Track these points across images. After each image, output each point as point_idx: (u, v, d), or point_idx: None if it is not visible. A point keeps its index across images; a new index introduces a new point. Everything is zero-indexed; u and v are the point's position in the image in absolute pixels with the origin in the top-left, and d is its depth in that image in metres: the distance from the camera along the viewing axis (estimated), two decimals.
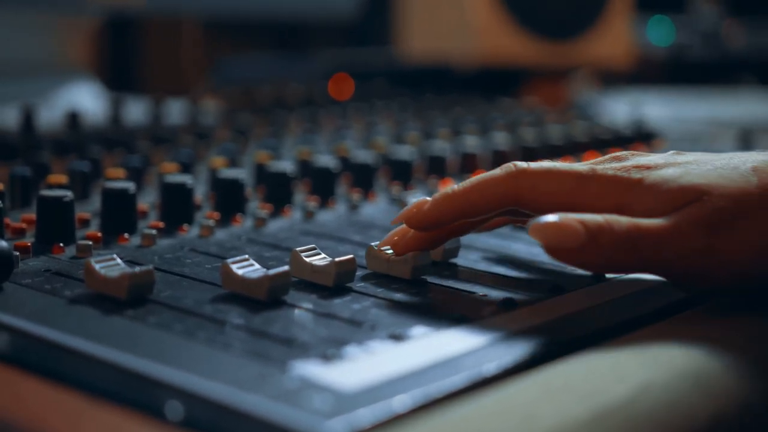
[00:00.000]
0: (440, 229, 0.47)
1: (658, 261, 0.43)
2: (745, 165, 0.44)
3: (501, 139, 0.84)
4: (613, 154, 0.47)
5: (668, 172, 0.44)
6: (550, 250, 0.42)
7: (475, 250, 0.52)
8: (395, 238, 0.47)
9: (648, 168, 0.45)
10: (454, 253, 0.50)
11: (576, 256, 0.42)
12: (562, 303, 0.43)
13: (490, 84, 1.34)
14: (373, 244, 0.47)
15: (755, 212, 0.43)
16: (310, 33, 1.79)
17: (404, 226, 0.47)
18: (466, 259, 0.51)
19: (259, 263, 0.43)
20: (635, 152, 0.47)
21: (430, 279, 0.46)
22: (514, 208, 0.46)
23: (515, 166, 0.45)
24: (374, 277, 0.46)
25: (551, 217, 0.42)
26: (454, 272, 0.48)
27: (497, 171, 0.46)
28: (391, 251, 0.47)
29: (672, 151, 0.48)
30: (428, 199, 0.46)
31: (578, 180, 0.45)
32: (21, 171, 0.59)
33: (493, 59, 1.32)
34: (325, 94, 1.19)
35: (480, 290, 0.45)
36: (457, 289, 0.45)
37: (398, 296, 0.43)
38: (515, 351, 0.37)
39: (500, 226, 0.53)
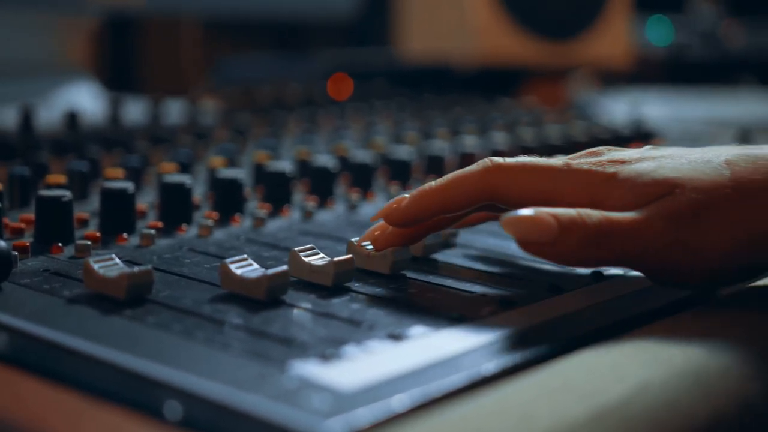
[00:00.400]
0: (419, 225, 0.47)
1: (631, 254, 0.43)
2: (719, 158, 0.45)
3: (500, 139, 0.84)
4: (590, 150, 0.48)
5: (642, 166, 0.45)
6: (523, 243, 0.43)
7: (474, 250, 0.52)
8: (375, 233, 0.48)
9: (622, 162, 0.45)
10: (435, 248, 0.51)
11: (549, 250, 0.42)
12: (560, 303, 0.43)
13: (489, 84, 1.34)
14: (353, 239, 0.48)
15: (727, 204, 0.43)
16: (310, 33, 1.79)
17: (384, 222, 0.48)
18: (466, 259, 0.51)
19: (257, 263, 0.43)
20: (612, 147, 0.48)
21: (430, 279, 0.46)
22: (490, 203, 0.46)
23: (491, 161, 0.46)
24: (372, 277, 0.46)
25: (524, 211, 0.42)
26: (451, 270, 0.48)
27: (474, 167, 0.46)
28: (371, 247, 0.47)
29: (648, 147, 0.48)
30: (407, 196, 0.47)
31: (553, 174, 0.45)
32: (20, 171, 0.59)
33: (492, 59, 1.32)
34: (324, 94, 1.19)
35: (474, 288, 0.45)
36: (455, 288, 0.45)
37: (397, 296, 0.43)
38: (514, 351, 0.37)
39: (478, 222, 0.53)
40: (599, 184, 0.45)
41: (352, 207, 0.62)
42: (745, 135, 0.94)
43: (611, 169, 0.45)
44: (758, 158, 0.44)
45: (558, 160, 0.46)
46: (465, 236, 0.54)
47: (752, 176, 0.44)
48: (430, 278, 0.46)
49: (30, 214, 0.52)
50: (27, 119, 0.82)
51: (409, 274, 0.47)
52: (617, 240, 0.42)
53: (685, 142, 1.01)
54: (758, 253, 0.44)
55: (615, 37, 1.39)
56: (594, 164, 0.45)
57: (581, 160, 0.46)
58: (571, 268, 0.49)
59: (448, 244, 0.53)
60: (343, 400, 0.31)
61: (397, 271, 0.46)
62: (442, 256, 0.51)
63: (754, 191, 0.43)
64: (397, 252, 0.46)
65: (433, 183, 0.47)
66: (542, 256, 0.43)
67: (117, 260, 0.42)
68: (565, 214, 0.42)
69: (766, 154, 0.45)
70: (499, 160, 0.46)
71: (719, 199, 0.43)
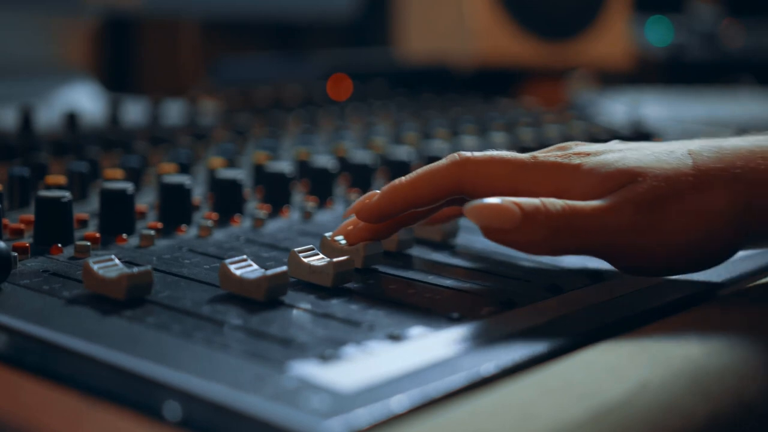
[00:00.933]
0: (390, 220, 0.48)
1: (593, 241, 0.44)
2: (682, 149, 0.46)
3: (499, 139, 0.84)
4: (558, 145, 0.49)
5: (606, 158, 0.46)
6: (487, 231, 0.43)
7: (474, 250, 0.52)
8: (348, 228, 0.48)
9: (588, 155, 0.46)
10: (409, 244, 0.51)
11: (512, 237, 0.43)
12: (559, 303, 0.43)
13: (488, 84, 1.34)
14: (326, 234, 0.48)
15: (689, 192, 0.44)
16: (309, 33, 1.79)
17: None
18: (465, 259, 0.51)
19: (257, 264, 0.43)
20: (579, 142, 0.49)
21: (429, 279, 0.46)
22: (459, 196, 0.47)
23: (459, 155, 0.47)
24: (371, 278, 0.46)
25: (488, 199, 0.43)
26: (450, 270, 0.48)
27: (442, 161, 0.47)
28: (344, 241, 0.48)
29: (615, 141, 0.49)
30: (378, 191, 0.48)
31: (519, 167, 0.46)
32: (19, 171, 0.59)
33: (491, 59, 1.32)
34: (324, 94, 1.19)
35: (473, 288, 0.45)
36: (455, 288, 0.45)
37: (396, 296, 0.43)
38: (513, 351, 0.37)
39: (448, 218, 0.53)
40: (565, 176, 0.46)
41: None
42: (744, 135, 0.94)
43: (576, 161, 0.46)
44: (722, 149, 0.46)
45: (525, 154, 0.47)
46: (464, 236, 0.55)
47: (714, 165, 0.45)
48: (430, 278, 0.46)
49: (29, 215, 0.52)
50: (26, 120, 0.82)
51: (409, 274, 0.47)
52: (580, 227, 0.43)
53: None
54: (718, 242, 0.45)
55: (614, 37, 1.39)
56: (560, 157, 0.47)
57: (548, 153, 0.47)
58: (570, 266, 0.49)
59: (446, 245, 0.53)
60: (343, 401, 0.31)
61: (369, 265, 0.47)
62: (442, 256, 0.51)
63: (714, 179, 0.44)
64: (369, 246, 0.47)
65: (403, 178, 0.47)
66: (506, 244, 0.44)
67: (116, 261, 0.42)
68: (528, 203, 0.43)
69: (730, 145, 0.46)
70: (467, 154, 0.47)
71: (681, 187, 0.44)
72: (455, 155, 0.47)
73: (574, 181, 0.45)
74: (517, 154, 0.47)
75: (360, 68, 1.38)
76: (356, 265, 0.46)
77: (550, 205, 0.43)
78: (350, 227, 0.48)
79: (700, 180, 0.44)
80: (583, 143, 0.48)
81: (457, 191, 0.47)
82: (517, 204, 0.43)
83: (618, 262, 0.46)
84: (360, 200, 0.48)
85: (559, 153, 0.47)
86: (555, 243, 0.44)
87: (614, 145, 0.48)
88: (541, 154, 0.47)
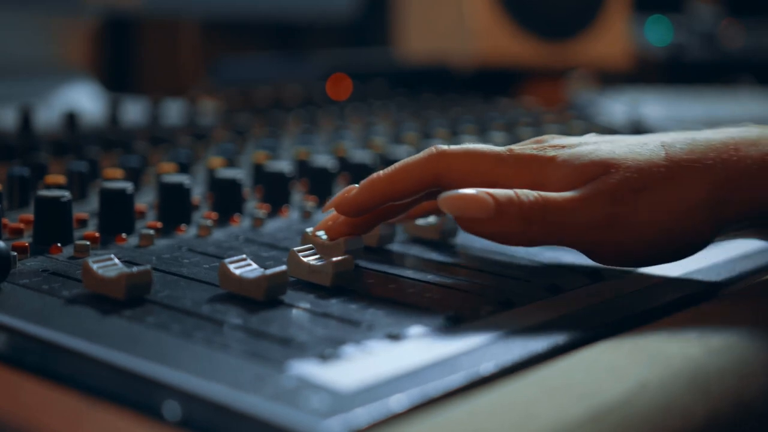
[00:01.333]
0: (369, 214, 0.49)
1: (567, 231, 0.45)
2: (655, 141, 0.47)
3: (499, 139, 0.84)
4: (535, 138, 0.50)
5: (581, 150, 0.47)
6: (461, 221, 0.45)
7: (473, 250, 0.52)
8: (329, 222, 0.49)
9: (563, 147, 0.47)
10: (390, 239, 0.52)
11: (486, 227, 0.44)
12: (559, 302, 0.43)
13: (488, 84, 1.34)
14: (307, 229, 0.49)
15: (661, 183, 0.45)
16: (308, 33, 1.79)
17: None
18: (464, 258, 0.51)
19: (256, 263, 0.43)
20: (555, 135, 0.50)
21: (428, 279, 0.46)
22: (436, 189, 0.47)
23: (436, 148, 0.48)
24: (371, 277, 0.46)
25: (461, 190, 0.44)
26: (449, 269, 0.48)
27: (419, 154, 0.48)
28: (325, 236, 0.48)
29: (591, 134, 0.50)
30: (356, 186, 0.48)
31: (495, 159, 0.47)
32: (19, 171, 0.59)
33: (491, 59, 1.32)
34: (323, 94, 1.19)
35: (473, 288, 0.45)
36: (454, 288, 0.45)
37: (395, 295, 0.43)
38: (513, 350, 0.37)
39: (427, 212, 0.54)
40: (540, 168, 0.46)
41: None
42: None
43: (551, 153, 0.47)
44: (695, 141, 0.46)
45: (501, 147, 0.48)
46: (464, 236, 0.54)
47: (687, 156, 0.45)
48: (429, 278, 0.46)
49: (29, 215, 0.52)
50: (26, 119, 0.82)
51: (408, 274, 0.47)
52: (553, 218, 0.44)
53: None
54: (691, 232, 0.45)
55: (614, 37, 1.39)
56: (536, 149, 0.47)
57: (524, 146, 0.48)
58: (569, 266, 0.49)
59: (445, 244, 0.53)
60: (342, 400, 0.31)
61: None
62: (441, 256, 0.51)
63: (687, 170, 0.45)
64: (350, 242, 0.48)
65: (381, 172, 0.48)
66: (480, 234, 0.45)
67: (116, 260, 0.42)
68: (502, 194, 0.44)
69: (703, 137, 0.47)
70: (444, 146, 0.48)
71: (653, 178, 0.45)
72: (432, 148, 0.48)
73: (549, 172, 0.46)
74: (494, 147, 0.48)
75: (360, 68, 1.38)
76: None
77: (523, 195, 0.44)
78: (330, 222, 0.49)
79: (673, 171, 0.45)
80: (559, 136, 0.49)
81: (435, 184, 0.47)
82: (490, 194, 0.44)
83: (591, 253, 0.46)
84: (339, 194, 0.49)
85: (534, 146, 0.48)
86: (528, 233, 0.45)
87: (589, 137, 0.49)
88: (517, 147, 0.48)
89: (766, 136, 0.46)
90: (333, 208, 0.49)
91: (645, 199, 0.44)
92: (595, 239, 0.45)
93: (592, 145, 0.47)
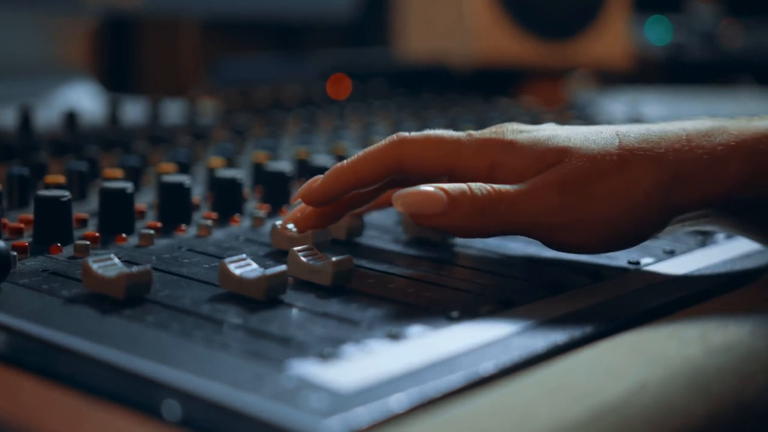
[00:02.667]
0: (335, 204, 0.50)
1: (519, 223, 0.46)
2: (610, 131, 0.48)
3: None
4: (495, 125, 0.51)
5: (538, 135, 0.48)
6: (414, 217, 0.46)
7: (473, 250, 0.52)
8: (297, 214, 0.50)
9: (521, 132, 0.49)
10: (358, 231, 0.53)
11: (441, 222, 0.46)
12: (559, 302, 0.43)
13: (487, 84, 1.34)
14: (276, 222, 0.50)
15: (613, 171, 0.46)
16: (308, 33, 1.79)
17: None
18: (464, 257, 0.51)
19: (256, 263, 0.43)
20: (515, 123, 0.51)
21: (428, 278, 0.46)
22: (399, 176, 0.49)
23: (397, 135, 0.49)
24: (371, 277, 0.46)
25: (414, 188, 0.46)
26: (449, 269, 0.48)
27: (382, 141, 0.49)
28: (295, 229, 0.49)
29: (551, 123, 0.51)
30: (321, 176, 0.49)
31: (454, 143, 0.48)
32: (19, 171, 0.59)
33: (490, 59, 1.32)
34: (323, 94, 1.19)
35: (472, 287, 0.45)
36: (454, 287, 0.45)
37: (395, 295, 0.43)
38: (512, 350, 0.37)
39: (390, 202, 0.54)
40: (499, 150, 0.48)
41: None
42: None
43: (510, 137, 0.48)
44: (649, 131, 0.47)
45: (461, 132, 0.49)
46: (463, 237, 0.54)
47: (640, 145, 0.47)
48: (429, 278, 0.46)
49: (29, 214, 0.52)
50: (26, 119, 0.82)
51: (408, 273, 0.47)
52: (505, 210, 0.46)
53: None
54: (642, 220, 0.46)
55: (614, 37, 1.39)
56: (495, 133, 0.49)
57: (484, 131, 0.49)
58: (569, 266, 0.49)
59: (445, 244, 0.53)
60: (342, 400, 0.31)
61: None
62: (441, 255, 0.51)
63: (639, 159, 0.46)
64: (318, 234, 0.49)
65: (344, 161, 0.49)
66: (436, 229, 0.48)
67: (116, 260, 0.42)
68: (454, 188, 0.46)
69: (657, 128, 0.48)
70: (405, 134, 0.49)
71: (605, 167, 0.46)
72: (394, 136, 0.49)
73: (506, 155, 0.47)
74: (453, 132, 0.49)
75: (360, 68, 1.39)
76: None
77: (476, 189, 0.46)
78: (299, 214, 0.50)
79: (625, 160, 0.46)
80: (519, 124, 0.50)
81: (397, 170, 0.48)
82: (443, 189, 0.45)
83: (547, 241, 0.48)
84: (305, 185, 0.50)
85: (494, 129, 0.49)
86: (483, 226, 0.46)
87: (548, 125, 0.50)
88: (477, 132, 0.49)
89: (717, 129, 0.47)
90: (301, 201, 0.50)
91: (596, 188, 0.46)
92: (547, 230, 0.47)
93: (551, 132, 0.48)
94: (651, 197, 0.46)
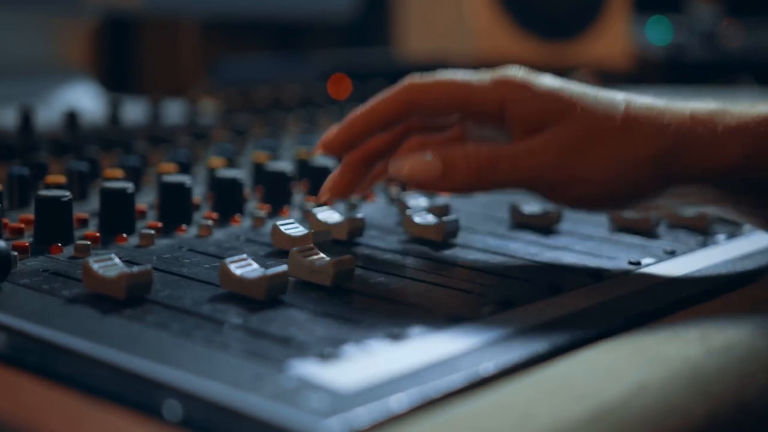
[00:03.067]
0: (358, 163, 0.52)
1: (517, 180, 0.48)
2: (619, 96, 0.49)
3: None
4: (507, 67, 0.52)
5: (553, 83, 0.49)
6: (414, 182, 0.48)
7: (474, 250, 0.52)
8: (329, 184, 0.53)
9: (535, 77, 0.50)
10: (359, 232, 0.53)
11: (437, 186, 0.48)
12: (559, 303, 0.43)
13: None
14: (278, 222, 0.50)
15: (614, 135, 0.48)
16: (308, 33, 1.79)
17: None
18: (465, 258, 0.51)
19: (257, 263, 0.43)
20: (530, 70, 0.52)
21: (429, 278, 0.46)
22: (412, 113, 0.51)
23: (408, 80, 0.51)
24: (371, 277, 0.46)
25: (409, 156, 0.48)
26: (450, 270, 0.48)
27: (394, 86, 0.51)
28: (292, 230, 0.50)
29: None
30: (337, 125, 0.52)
31: (464, 86, 0.50)
32: (19, 171, 0.59)
33: (491, 59, 1.32)
34: (323, 94, 1.19)
35: (473, 288, 0.45)
36: (455, 288, 0.45)
37: (396, 295, 0.43)
38: (513, 351, 0.37)
39: (410, 150, 0.55)
40: (509, 91, 0.49)
41: (352, 207, 0.62)
42: None
43: (523, 79, 0.49)
44: (655, 103, 0.49)
45: (473, 74, 0.50)
46: (464, 236, 0.55)
47: (644, 113, 0.48)
48: (429, 278, 0.46)
49: (29, 215, 0.52)
50: (26, 119, 0.82)
51: (409, 274, 0.47)
52: (503, 170, 0.48)
53: None
54: (636, 186, 0.48)
55: (614, 37, 1.39)
56: (506, 75, 0.50)
57: (497, 70, 0.50)
58: (569, 266, 0.49)
59: (446, 244, 0.53)
60: (342, 400, 0.31)
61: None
62: (442, 256, 0.51)
63: (641, 126, 0.48)
64: (318, 235, 0.49)
65: (358, 108, 0.51)
66: (437, 190, 0.50)
67: (116, 260, 0.42)
68: (450, 153, 0.48)
69: (664, 102, 0.49)
70: (416, 78, 0.51)
71: (607, 130, 0.48)
72: (405, 80, 0.51)
73: (518, 96, 0.49)
74: (465, 73, 0.50)
75: (360, 68, 1.38)
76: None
77: (473, 150, 0.48)
78: (331, 183, 0.52)
79: (627, 125, 0.48)
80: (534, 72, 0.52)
81: (408, 109, 0.50)
82: (438, 155, 0.47)
83: (545, 196, 0.49)
84: (323, 137, 0.52)
85: (507, 71, 0.50)
86: (479, 186, 0.48)
87: (563, 80, 0.51)
88: (488, 72, 0.50)
89: (720, 110, 0.49)
90: (321, 150, 0.52)
91: (595, 150, 0.47)
92: (547, 186, 0.48)
93: (564, 83, 0.50)
94: (646, 165, 0.47)
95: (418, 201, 0.60)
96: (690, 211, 0.53)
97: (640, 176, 0.47)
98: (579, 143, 0.47)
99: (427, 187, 0.48)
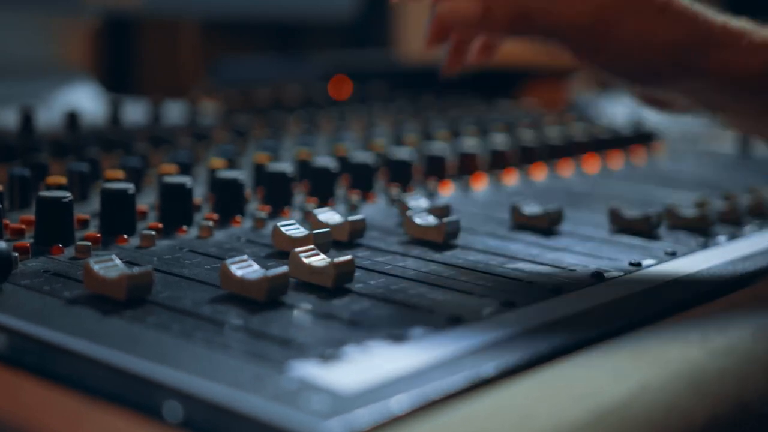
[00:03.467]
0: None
1: (554, 24, 0.52)
2: None
3: (500, 140, 0.84)
4: None
5: None
6: (454, 22, 0.54)
7: (474, 251, 0.52)
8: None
9: None
10: (360, 233, 0.53)
11: (476, 25, 0.53)
12: (560, 304, 0.43)
13: (488, 85, 1.34)
14: (278, 223, 0.50)
15: (650, 13, 0.51)
16: (309, 34, 1.79)
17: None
18: (466, 259, 0.51)
19: (258, 264, 0.43)
20: None
21: (430, 279, 0.46)
22: None
23: None
24: (372, 278, 0.46)
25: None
26: (451, 270, 0.48)
27: None
28: (291, 231, 0.50)
29: None
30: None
31: None
32: (20, 172, 0.59)
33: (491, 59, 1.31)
34: (324, 95, 1.19)
35: (474, 289, 0.45)
36: (456, 289, 0.45)
37: (396, 296, 0.43)
38: (513, 352, 0.37)
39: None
40: None
41: (353, 208, 0.62)
42: (745, 136, 0.94)
43: None
44: (696, 4, 0.53)
45: None
46: (465, 237, 0.55)
47: (684, 5, 0.52)
48: (431, 279, 0.46)
49: (30, 215, 0.52)
50: (27, 120, 0.82)
51: (409, 275, 0.47)
52: (537, 14, 0.52)
53: (685, 143, 1.01)
54: (660, 66, 0.52)
55: None
56: None
57: None
58: (571, 267, 0.49)
59: (446, 245, 0.53)
60: (343, 401, 0.31)
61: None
62: (442, 256, 0.51)
63: (676, 14, 0.52)
64: (317, 236, 0.49)
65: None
66: (472, 31, 0.56)
67: (117, 261, 0.42)
68: None
69: (704, 8, 0.53)
70: None
71: (645, 7, 0.51)
72: None
73: None
74: None
75: (360, 69, 1.38)
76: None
77: None
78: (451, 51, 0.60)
79: (665, 8, 0.51)
80: None
81: None
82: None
83: (574, 50, 0.54)
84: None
85: None
86: (513, 27, 0.52)
87: None
88: None
89: (752, 28, 0.53)
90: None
91: (629, 20, 0.51)
92: (574, 37, 0.53)
93: None
94: (671, 50, 0.51)
95: (418, 202, 0.60)
96: (703, 112, 0.57)
97: (663, 60, 0.51)
98: (617, 8, 0.50)
99: (466, 28, 0.54)
